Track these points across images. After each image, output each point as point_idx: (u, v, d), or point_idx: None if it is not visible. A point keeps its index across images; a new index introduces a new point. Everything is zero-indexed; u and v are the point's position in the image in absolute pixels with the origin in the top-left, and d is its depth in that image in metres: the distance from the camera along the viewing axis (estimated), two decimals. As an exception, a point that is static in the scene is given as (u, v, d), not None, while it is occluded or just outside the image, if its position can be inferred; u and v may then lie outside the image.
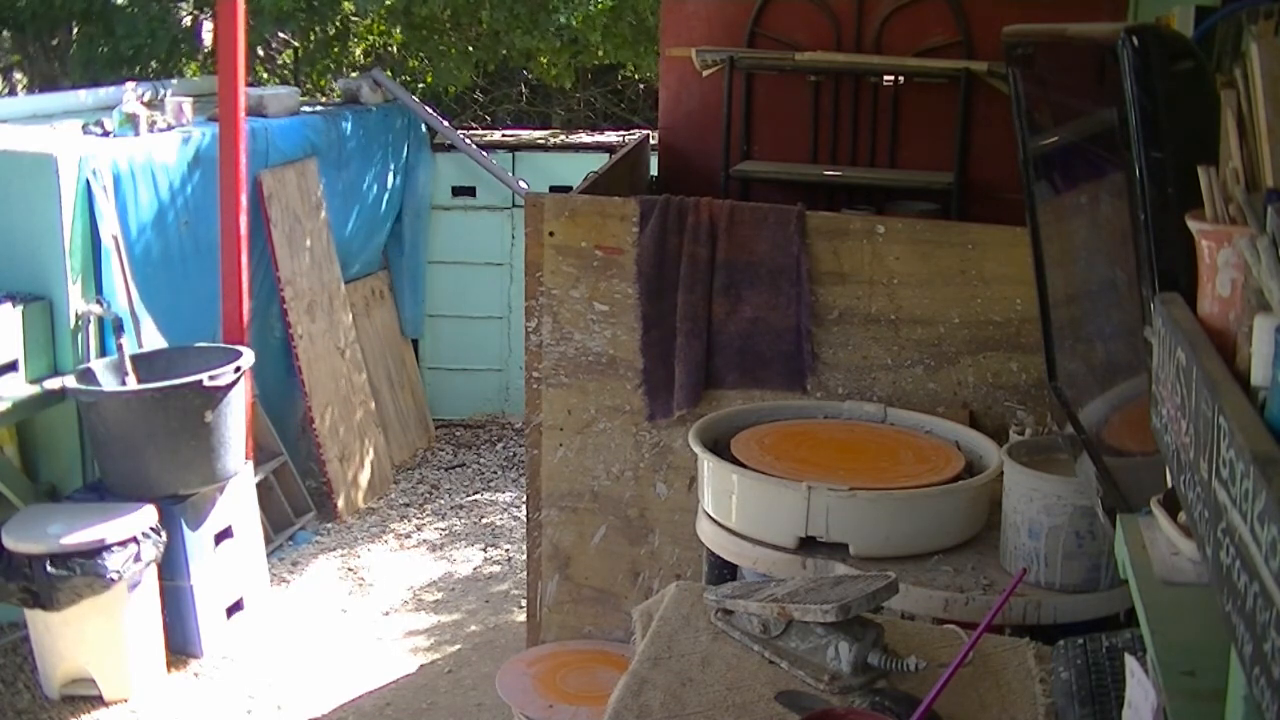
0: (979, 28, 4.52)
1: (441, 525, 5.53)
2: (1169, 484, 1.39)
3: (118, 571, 3.72)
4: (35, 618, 3.85)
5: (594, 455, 3.52)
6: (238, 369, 4.17)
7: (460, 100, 8.84)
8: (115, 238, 4.33)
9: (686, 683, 2.00)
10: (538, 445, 3.55)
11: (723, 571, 2.79)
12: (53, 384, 4.11)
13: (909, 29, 4.63)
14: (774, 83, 4.78)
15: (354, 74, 7.42)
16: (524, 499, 4.07)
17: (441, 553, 5.25)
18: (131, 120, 4.59)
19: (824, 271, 3.32)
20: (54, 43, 8.12)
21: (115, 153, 4.40)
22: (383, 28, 8.06)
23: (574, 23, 7.25)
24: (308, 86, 7.92)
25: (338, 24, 7.86)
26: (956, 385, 3.28)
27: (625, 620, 3.25)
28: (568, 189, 4.96)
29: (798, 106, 4.78)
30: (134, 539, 3.81)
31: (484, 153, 6.48)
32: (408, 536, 5.39)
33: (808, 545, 2.56)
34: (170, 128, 4.78)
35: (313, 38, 7.82)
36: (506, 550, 5.27)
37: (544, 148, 6.74)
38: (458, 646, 4.47)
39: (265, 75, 8.29)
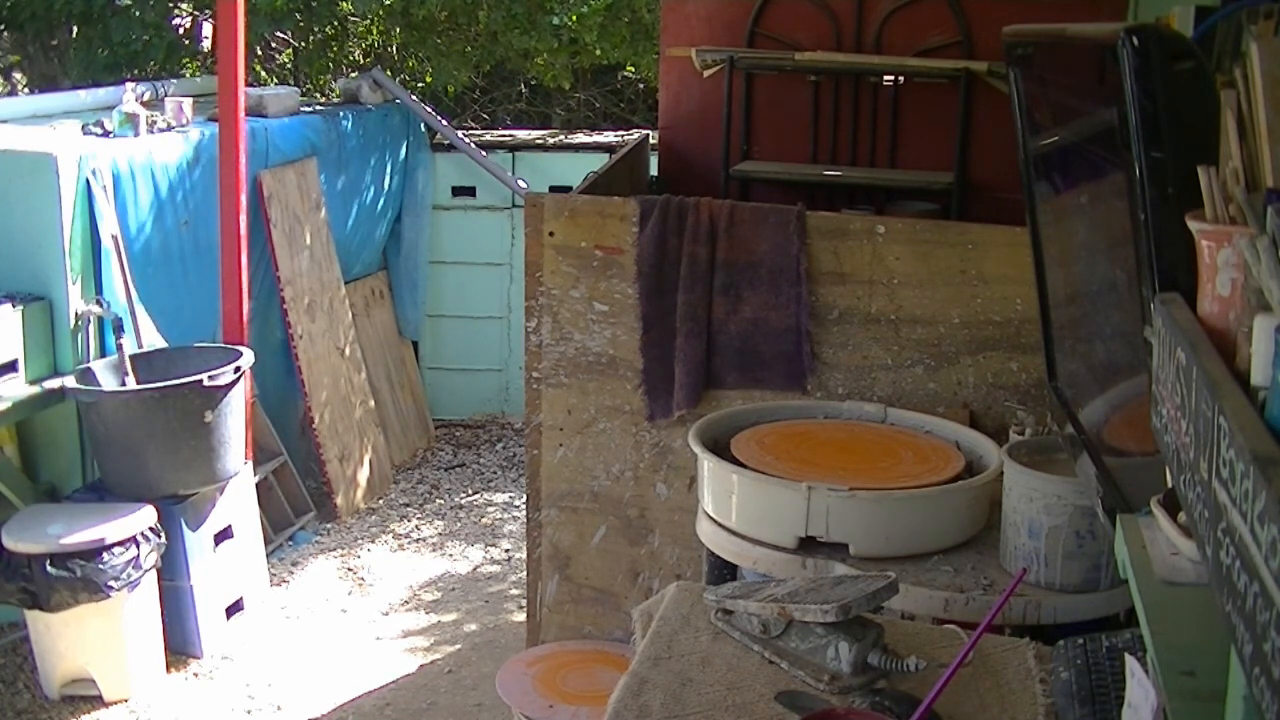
0: (979, 28, 4.52)
1: (441, 525, 5.53)
2: (1169, 484, 1.39)
3: (116, 580, 3.72)
4: (35, 618, 3.85)
5: (594, 455, 3.52)
6: (238, 369, 4.17)
7: (460, 100, 8.83)
8: (115, 238, 4.33)
9: (686, 683, 2.00)
10: (538, 445, 3.55)
11: (723, 571, 2.79)
12: (53, 384, 4.11)
13: (909, 29, 4.62)
14: (774, 83, 4.77)
15: (353, 74, 7.42)
16: (524, 499, 4.07)
17: (441, 552, 5.25)
18: (131, 120, 4.59)
19: (824, 271, 3.32)
20: (54, 43, 8.12)
21: (115, 153, 4.39)
22: (382, 28, 8.05)
23: (568, 23, 7.24)
24: (307, 86, 7.92)
25: (335, 24, 7.85)
26: (956, 385, 3.28)
27: (625, 620, 3.25)
28: (568, 189, 4.96)
29: (798, 106, 4.77)
30: (134, 540, 3.81)
31: (484, 153, 6.47)
32: (407, 536, 5.39)
33: (808, 545, 2.56)
34: (170, 128, 4.78)
35: (311, 39, 7.81)
36: (506, 550, 5.27)
37: (543, 148, 6.74)
38: (457, 646, 4.47)
39: (264, 75, 8.29)
